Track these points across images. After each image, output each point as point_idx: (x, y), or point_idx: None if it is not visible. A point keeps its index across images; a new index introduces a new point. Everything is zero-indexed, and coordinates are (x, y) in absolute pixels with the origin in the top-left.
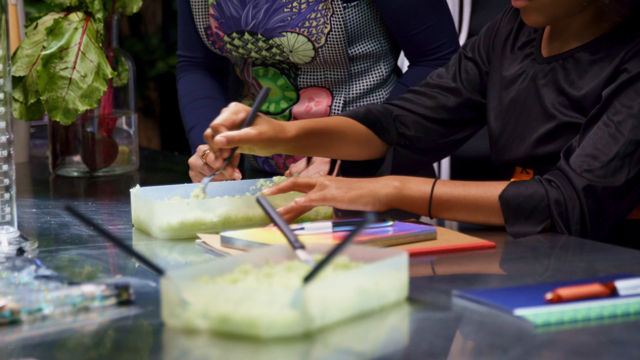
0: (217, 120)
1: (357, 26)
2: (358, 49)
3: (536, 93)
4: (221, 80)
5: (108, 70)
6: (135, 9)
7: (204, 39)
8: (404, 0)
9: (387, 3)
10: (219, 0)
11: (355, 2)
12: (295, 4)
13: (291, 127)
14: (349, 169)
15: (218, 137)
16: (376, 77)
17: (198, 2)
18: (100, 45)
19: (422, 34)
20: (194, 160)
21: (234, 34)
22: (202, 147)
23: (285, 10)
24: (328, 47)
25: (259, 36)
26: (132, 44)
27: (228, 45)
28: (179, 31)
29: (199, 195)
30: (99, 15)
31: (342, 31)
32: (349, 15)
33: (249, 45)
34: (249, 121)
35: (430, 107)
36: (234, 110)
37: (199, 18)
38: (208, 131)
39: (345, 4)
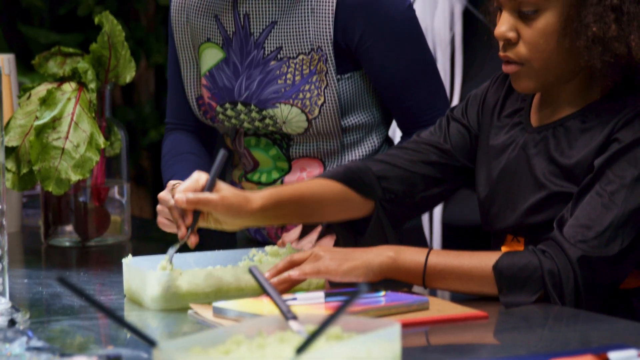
0: (180, 187)
1: (351, 98)
2: (351, 120)
3: (527, 162)
4: (208, 146)
5: (101, 140)
6: (128, 79)
7: (195, 109)
8: (397, 71)
9: (381, 74)
10: (212, 71)
11: (348, 74)
12: (289, 75)
13: (256, 198)
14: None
15: (178, 195)
16: (368, 147)
17: (190, 73)
18: (93, 115)
19: (415, 104)
20: (163, 194)
21: (227, 105)
22: (172, 182)
23: (279, 81)
24: (321, 118)
25: (252, 107)
26: (125, 113)
27: (221, 116)
28: (169, 100)
29: (165, 267)
30: (92, 86)
31: (335, 103)
32: (342, 87)
33: (242, 116)
34: (208, 186)
35: (416, 161)
36: (195, 178)
37: (191, 89)
38: (169, 200)
39: (339, 76)
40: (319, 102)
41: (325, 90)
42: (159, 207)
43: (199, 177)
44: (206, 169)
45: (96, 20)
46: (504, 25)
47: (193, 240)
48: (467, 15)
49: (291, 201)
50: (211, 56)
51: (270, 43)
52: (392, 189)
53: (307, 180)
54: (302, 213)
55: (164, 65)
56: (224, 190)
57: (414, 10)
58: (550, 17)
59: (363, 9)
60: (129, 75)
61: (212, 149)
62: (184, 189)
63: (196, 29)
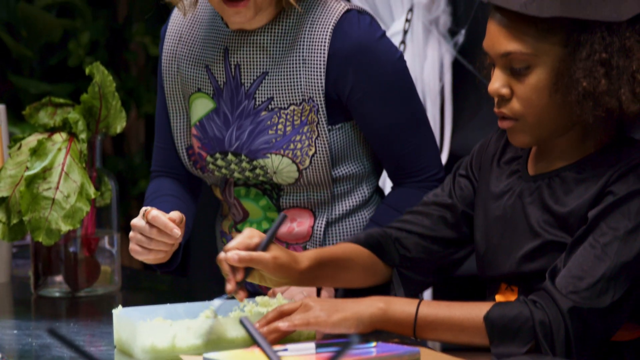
0: (231, 244)
1: (342, 148)
2: (341, 171)
3: (522, 210)
4: (192, 194)
5: (91, 191)
6: (119, 129)
7: (185, 159)
8: (388, 122)
9: (371, 125)
10: (203, 121)
11: (339, 125)
12: (280, 126)
13: (303, 258)
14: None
15: (230, 253)
16: (359, 197)
17: (180, 123)
18: (84, 165)
19: (406, 155)
20: (136, 221)
21: (218, 155)
22: (144, 208)
23: (270, 132)
24: (312, 169)
25: (243, 157)
26: (115, 163)
27: (211, 166)
28: (155, 149)
29: (209, 316)
30: (83, 136)
31: (326, 153)
32: (333, 137)
33: (232, 166)
34: (263, 246)
35: (429, 226)
36: (248, 234)
37: (181, 138)
38: (221, 254)
39: (330, 127)
40: (310, 153)
41: (317, 141)
42: (131, 234)
43: (252, 234)
44: (187, 212)
45: (87, 70)
46: (497, 81)
47: (242, 295)
48: (456, 65)
49: (330, 264)
50: (202, 106)
51: (262, 94)
52: (409, 256)
53: (339, 243)
54: (337, 276)
55: (154, 115)
56: (275, 249)
57: (404, 61)
58: (542, 73)
59: (354, 60)
60: (119, 126)
61: (197, 197)
62: (236, 245)
63: (187, 79)
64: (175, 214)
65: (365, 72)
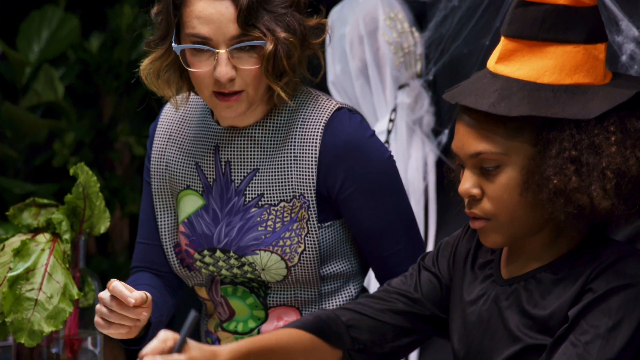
0: (145, 350)
1: (330, 246)
2: (329, 269)
3: (499, 315)
4: (170, 291)
5: (74, 291)
6: (102, 230)
7: (172, 257)
8: (376, 221)
9: (360, 223)
10: (191, 218)
11: (329, 222)
12: (270, 222)
13: (224, 352)
14: None
15: (146, 359)
16: (345, 296)
17: (167, 220)
18: (67, 265)
19: (393, 255)
20: (101, 293)
21: (205, 252)
22: (113, 280)
23: (260, 228)
24: (301, 266)
25: (231, 254)
26: (99, 263)
27: (198, 263)
28: (137, 245)
29: None
30: (66, 236)
31: (315, 251)
32: (323, 235)
33: (220, 263)
34: (178, 348)
35: (385, 310)
36: (162, 338)
37: (168, 236)
38: None
39: (319, 224)
40: (299, 250)
41: (306, 238)
42: (97, 306)
43: (166, 338)
44: (163, 304)
45: (71, 171)
46: (467, 182)
47: None
48: (439, 164)
49: (260, 353)
50: (190, 203)
51: (252, 190)
52: (361, 338)
53: (276, 330)
54: None
55: (138, 215)
56: (191, 349)
57: (394, 161)
58: (512, 172)
59: (345, 157)
60: (103, 226)
61: (176, 295)
62: (150, 350)
63: (176, 177)
64: (139, 293)
65: (355, 170)
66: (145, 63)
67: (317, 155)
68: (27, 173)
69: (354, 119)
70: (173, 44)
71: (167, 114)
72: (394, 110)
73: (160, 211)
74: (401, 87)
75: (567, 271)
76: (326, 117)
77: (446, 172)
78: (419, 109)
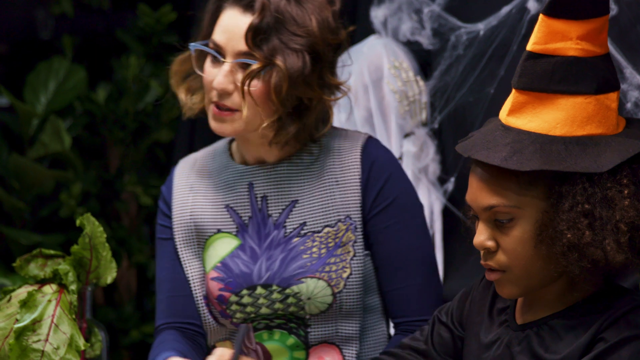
0: None
1: (370, 274)
2: (368, 300)
3: None
4: (196, 349)
5: (81, 342)
6: (109, 280)
7: (203, 307)
8: (398, 246)
9: (382, 246)
10: (225, 260)
11: (368, 251)
12: (314, 249)
13: None
14: None
15: None
16: (381, 334)
17: (196, 271)
18: (74, 316)
19: (408, 289)
20: None
21: (244, 291)
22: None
23: (304, 256)
24: (346, 292)
25: (274, 287)
26: (106, 313)
27: (234, 306)
28: (158, 303)
29: None
30: (73, 287)
31: (361, 274)
32: (367, 260)
33: (261, 300)
34: None
35: None
36: (219, 354)
37: (198, 286)
38: None
39: (367, 251)
40: (344, 275)
41: (352, 261)
42: None
43: (222, 353)
44: None
45: (77, 222)
46: (482, 235)
47: None
48: (446, 213)
49: None
50: (223, 246)
51: (292, 221)
52: None
53: None
54: None
55: (146, 265)
56: None
57: (422, 204)
58: (526, 225)
59: (379, 177)
60: (110, 277)
61: (201, 353)
62: None
63: (203, 224)
64: (220, 356)
65: (386, 189)
66: (176, 61)
67: (360, 176)
68: (34, 224)
69: (384, 146)
70: (190, 44)
71: (183, 173)
72: (400, 158)
73: (188, 263)
74: (406, 135)
75: (580, 319)
76: (362, 142)
77: (462, 220)
78: (424, 157)
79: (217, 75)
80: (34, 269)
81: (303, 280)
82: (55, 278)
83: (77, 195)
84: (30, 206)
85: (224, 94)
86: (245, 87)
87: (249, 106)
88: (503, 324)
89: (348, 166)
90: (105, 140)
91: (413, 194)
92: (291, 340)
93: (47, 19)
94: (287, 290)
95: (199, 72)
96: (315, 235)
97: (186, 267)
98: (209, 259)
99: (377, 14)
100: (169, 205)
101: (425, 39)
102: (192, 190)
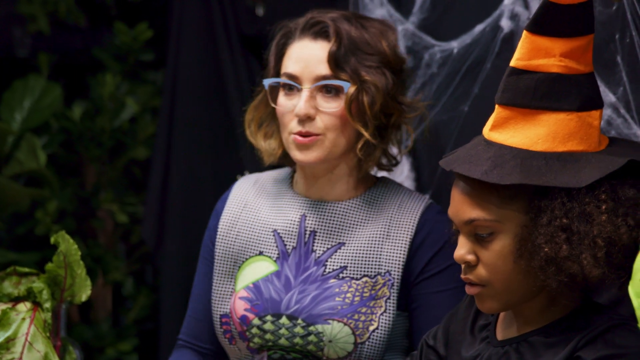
0: None
1: (397, 334)
2: (388, 358)
3: None
4: None
5: None
6: (84, 298)
7: (217, 325)
8: (440, 314)
9: (429, 309)
10: (258, 283)
11: (399, 312)
12: (349, 295)
13: None
14: None
15: None
16: None
17: (223, 288)
18: (48, 334)
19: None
20: None
21: (268, 317)
22: None
23: (337, 299)
24: (369, 345)
25: (299, 321)
26: (82, 331)
27: (255, 329)
28: (187, 316)
29: None
30: (47, 305)
31: (387, 331)
32: (396, 319)
33: (282, 331)
34: None
35: None
36: None
37: (218, 304)
38: None
39: (399, 312)
40: (371, 328)
41: (381, 316)
42: None
43: None
44: None
45: (52, 240)
46: (463, 248)
47: None
48: None
49: None
50: (260, 269)
51: (334, 262)
52: None
53: None
54: None
55: (122, 282)
56: None
57: None
58: (505, 239)
59: (435, 243)
60: (84, 295)
61: None
62: None
63: (247, 243)
64: None
65: (439, 256)
66: (249, 109)
67: (412, 237)
68: (9, 242)
69: (445, 215)
70: (264, 80)
71: (241, 188)
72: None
73: (219, 278)
74: None
75: (559, 336)
76: (424, 205)
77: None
78: (399, 174)
79: (296, 103)
80: (8, 287)
81: (330, 321)
82: (30, 296)
83: (53, 212)
84: (6, 224)
85: (306, 120)
86: (338, 110)
87: (334, 128)
88: (484, 340)
89: (403, 224)
90: (81, 157)
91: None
92: None
93: (23, 37)
94: (311, 328)
95: (275, 106)
96: (353, 281)
97: (215, 283)
98: (242, 278)
99: None
100: (218, 218)
101: None
102: (245, 207)
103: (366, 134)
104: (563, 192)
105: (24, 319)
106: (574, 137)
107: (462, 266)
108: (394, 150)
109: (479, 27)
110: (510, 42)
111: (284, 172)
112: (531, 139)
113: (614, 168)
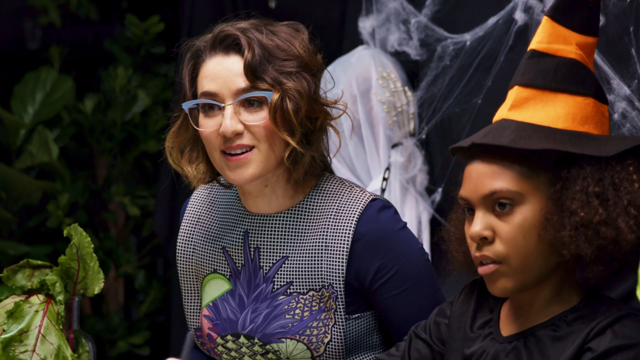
0: None
1: (358, 337)
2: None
3: None
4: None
5: (68, 353)
6: (96, 290)
7: (195, 340)
8: (408, 313)
9: (391, 314)
10: (216, 302)
11: (358, 314)
12: (298, 311)
13: None
14: None
15: None
16: None
17: (191, 303)
18: (61, 327)
19: None
20: None
21: (229, 337)
22: None
23: (287, 316)
24: (326, 356)
25: (256, 340)
26: (94, 324)
27: (220, 348)
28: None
29: None
30: (60, 298)
31: (341, 342)
32: (350, 326)
33: (243, 349)
34: None
35: None
36: None
37: (192, 319)
38: None
39: (347, 316)
40: (325, 340)
41: (333, 328)
42: None
43: None
44: None
45: (65, 232)
46: (478, 224)
47: None
48: (433, 223)
49: None
50: (216, 287)
51: (281, 278)
52: None
53: None
54: None
55: (134, 275)
56: None
57: (426, 253)
58: (527, 212)
59: (378, 248)
60: (97, 287)
61: None
62: None
63: (202, 260)
64: None
65: (387, 261)
66: (168, 136)
67: (348, 246)
68: (21, 234)
69: (387, 212)
70: (182, 104)
71: (198, 196)
72: (388, 169)
73: (186, 293)
74: (394, 146)
75: (567, 329)
76: (360, 208)
77: (442, 235)
78: (412, 167)
79: (220, 122)
80: (21, 279)
81: (283, 339)
82: (43, 288)
83: (65, 205)
84: (18, 217)
85: (234, 137)
86: (265, 122)
87: (264, 140)
88: (488, 336)
89: (340, 232)
90: (93, 150)
91: (417, 257)
92: None
93: (34, 30)
94: (268, 347)
95: (199, 129)
96: (300, 296)
97: (184, 297)
98: (205, 296)
99: (365, 25)
100: (179, 227)
101: (412, 50)
102: (198, 223)
103: (293, 143)
104: (592, 161)
105: (37, 311)
106: (590, 121)
107: (474, 245)
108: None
109: (492, 20)
110: (524, 35)
111: None
112: (551, 117)
113: (637, 142)
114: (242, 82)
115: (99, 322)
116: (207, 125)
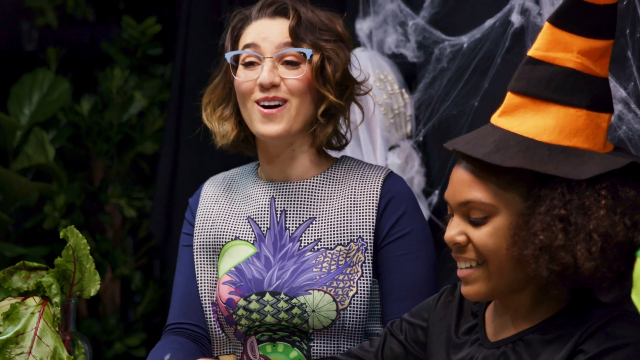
0: None
1: (376, 302)
2: (372, 327)
3: None
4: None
5: (64, 355)
6: (92, 292)
7: (208, 314)
8: (405, 277)
9: (390, 275)
10: (240, 266)
11: (375, 279)
12: (325, 264)
13: None
14: None
15: None
16: None
17: (207, 278)
18: (57, 329)
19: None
20: None
21: (253, 296)
22: None
23: (315, 270)
24: (350, 310)
25: (282, 296)
26: (90, 325)
27: (241, 311)
28: (172, 303)
29: None
30: (56, 300)
31: (367, 294)
32: (375, 288)
33: (267, 308)
34: None
35: None
36: None
37: (207, 293)
38: None
39: (375, 279)
40: (350, 293)
41: (359, 281)
42: None
43: None
44: None
45: (61, 234)
46: (453, 229)
47: None
48: (430, 225)
49: None
50: (240, 252)
51: (308, 236)
52: None
53: None
54: None
55: (130, 277)
56: None
57: (433, 242)
58: (500, 223)
59: (397, 208)
60: (93, 289)
61: (207, 354)
62: None
63: (222, 231)
64: None
65: (402, 220)
66: (206, 93)
67: (377, 202)
68: (17, 236)
69: (405, 182)
70: (225, 54)
71: (210, 185)
72: None
73: (201, 271)
74: (391, 148)
75: (556, 333)
76: (385, 174)
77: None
78: (409, 169)
79: (258, 74)
80: (17, 281)
81: (310, 291)
82: (39, 290)
83: (61, 207)
84: (14, 218)
85: (270, 88)
86: (302, 76)
87: (299, 94)
88: (475, 342)
89: (367, 193)
90: (90, 152)
91: (427, 231)
92: (294, 353)
93: (31, 31)
94: (294, 300)
95: (237, 79)
96: (328, 251)
97: (199, 273)
98: (224, 265)
99: (363, 27)
100: (193, 215)
101: (409, 52)
102: (217, 202)
103: (331, 96)
104: (564, 182)
105: (33, 313)
106: (580, 134)
107: (453, 247)
108: (343, 128)
109: (489, 22)
110: (520, 37)
111: (248, 167)
112: (538, 128)
113: (616, 166)
114: (285, 38)
115: (95, 324)
116: (245, 76)
